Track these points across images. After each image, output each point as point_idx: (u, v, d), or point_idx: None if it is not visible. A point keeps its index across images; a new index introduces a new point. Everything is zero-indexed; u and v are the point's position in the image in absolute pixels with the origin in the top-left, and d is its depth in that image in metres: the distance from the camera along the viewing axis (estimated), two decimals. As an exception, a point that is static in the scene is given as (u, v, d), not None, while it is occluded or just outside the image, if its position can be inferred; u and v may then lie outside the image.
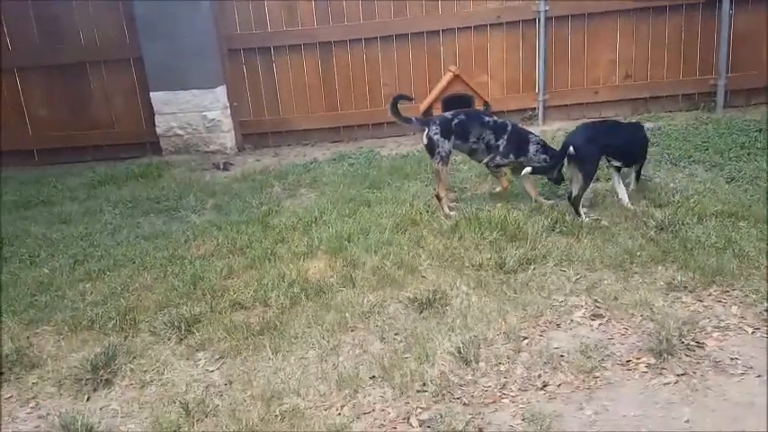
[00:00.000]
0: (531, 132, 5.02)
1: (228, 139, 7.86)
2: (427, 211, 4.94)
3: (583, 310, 3.44)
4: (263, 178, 6.43)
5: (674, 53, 7.33)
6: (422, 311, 3.55)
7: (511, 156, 4.91)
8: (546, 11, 7.19)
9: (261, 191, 6.01)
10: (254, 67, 7.88)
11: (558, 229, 4.39)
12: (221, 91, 7.75)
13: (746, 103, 7.31)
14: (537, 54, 7.43)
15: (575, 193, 4.56)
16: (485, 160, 5.01)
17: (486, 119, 4.97)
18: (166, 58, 7.46)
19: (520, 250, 4.08)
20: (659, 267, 3.76)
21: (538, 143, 4.95)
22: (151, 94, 7.72)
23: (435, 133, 4.85)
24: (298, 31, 7.67)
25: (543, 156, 4.89)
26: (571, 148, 4.57)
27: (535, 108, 7.62)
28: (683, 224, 4.20)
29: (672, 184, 4.95)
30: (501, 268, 3.92)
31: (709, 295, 3.44)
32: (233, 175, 6.80)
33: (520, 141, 4.91)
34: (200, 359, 3.36)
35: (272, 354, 3.27)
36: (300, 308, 3.70)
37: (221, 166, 7.11)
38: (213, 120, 7.73)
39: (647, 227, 4.26)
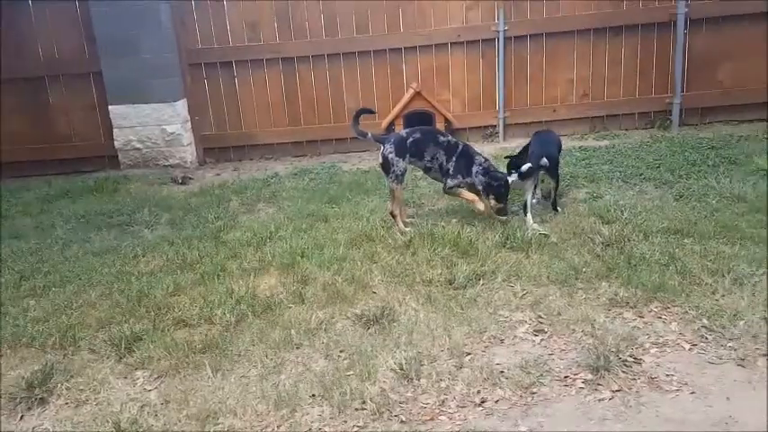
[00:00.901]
0: (478, 154, 4.94)
1: (189, 152, 7.81)
2: (383, 227, 4.95)
3: (526, 326, 3.46)
4: (222, 193, 6.39)
5: (630, 72, 7.50)
6: (369, 328, 3.54)
7: (459, 177, 4.86)
8: (505, 30, 7.31)
9: (218, 205, 5.96)
10: (215, 82, 7.86)
11: (508, 245, 4.42)
12: (182, 105, 7.72)
13: (701, 121, 7.50)
14: (497, 73, 7.54)
15: (553, 194, 5.06)
16: (443, 187, 4.98)
17: (441, 138, 4.92)
18: (126, 72, 7.41)
19: (471, 266, 4.11)
20: (603, 283, 3.81)
21: (480, 165, 4.85)
22: (110, 107, 7.65)
23: (390, 152, 4.81)
24: (260, 46, 7.69)
25: (482, 178, 4.80)
26: (544, 159, 4.79)
27: (496, 125, 7.72)
28: (629, 241, 4.27)
29: (621, 202, 5.03)
30: (451, 284, 3.93)
31: (650, 311, 3.49)
32: (191, 189, 6.74)
33: (467, 162, 4.86)
34: (138, 378, 3.30)
35: (212, 373, 3.23)
36: (246, 325, 3.66)
37: (179, 181, 7.04)
38: (173, 133, 7.68)
39: (593, 243, 4.31)
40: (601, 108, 7.60)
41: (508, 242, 4.45)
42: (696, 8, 7.09)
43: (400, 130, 7.22)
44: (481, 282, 3.94)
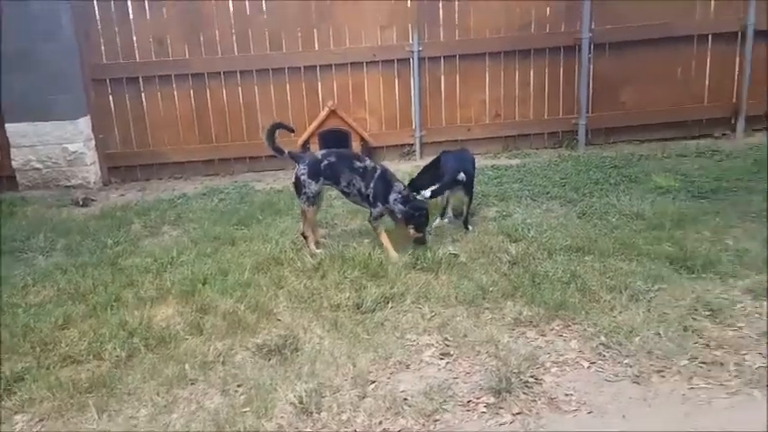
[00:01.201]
0: (397, 180, 4.72)
1: (92, 172, 7.41)
2: (293, 249, 4.81)
3: (433, 349, 3.42)
4: (124, 215, 6.08)
5: (539, 94, 7.73)
6: (270, 359, 3.39)
7: (379, 205, 4.64)
8: (419, 51, 7.38)
9: (119, 229, 5.65)
10: (121, 98, 7.53)
11: (418, 266, 4.39)
12: (84, 122, 7.34)
13: (606, 141, 7.80)
14: (412, 92, 7.59)
15: (466, 210, 5.06)
16: (368, 216, 4.75)
17: (357, 164, 4.67)
18: (24, 89, 6.97)
19: (380, 289, 4.04)
20: (509, 302, 3.83)
21: (399, 192, 4.63)
22: (7, 125, 7.17)
23: (303, 173, 4.66)
24: (168, 61, 7.44)
25: (401, 207, 4.60)
26: (462, 174, 4.86)
27: (413, 144, 7.75)
28: (534, 259, 4.33)
29: (529, 220, 5.12)
30: (359, 308, 3.85)
31: (552, 330, 3.52)
32: (92, 211, 6.38)
33: (384, 189, 4.64)
34: (17, 423, 3.02)
35: (98, 414, 2.99)
36: (138, 360, 3.43)
37: (80, 203, 6.66)
38: (75, 152, 7.28)
39: (501, 262, 4.35)
40: (512, 128, 7.78)
41: (418, 263, 4.42)
42: (599, 33, 7.40)
43: (316, 149, 7.21)
44: (390, 305, 3.88)
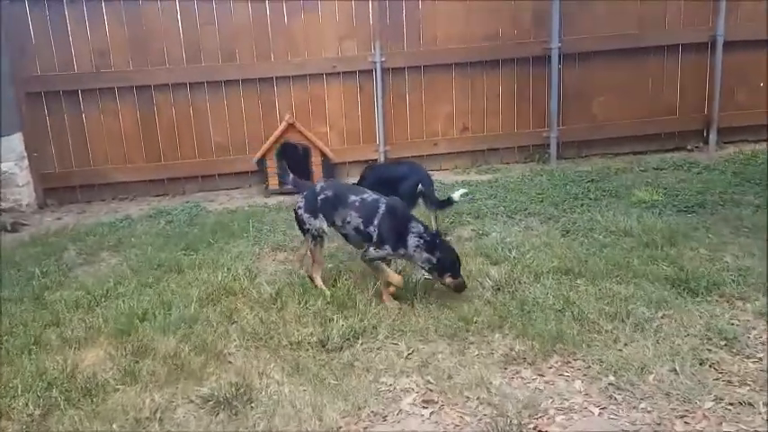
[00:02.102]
0: (413, 218, 3.85)
1: (25, 194, 6.72)
2: (247, 277, 4.26)
3: (413, 395, 2.91)
4: (58, 241, 5.41)
5: (508, 106, 7.37)
6: (218, 413, 2.83)
7: (387, 248, 3.74)
8: (382, 62, 6.94)
9: (50, 257, 4.98)
10: (58, 113, 6.87)
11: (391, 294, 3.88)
12: (16, 139, 6.64)
13: (577, 154, 7.48)
14: (375, 105, 7.14)
15: (434, 224, 4.69)
16: (362, 253, 3.90)
17: (351, 197, 3.91)
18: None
19: (348, 321, 3.52)
20: (497, 335, 3.35)
21: (420, 235, 3.70)
22: (-73, 143, 6.43)
23: (300, 207, 4.05)
24: (111, 73, 6.83)
25: (427, 255, 3.68)
26: (420, 185, 4.49)
27: (377, 160, 7.27)
28: (520, 283, 3.88)
29: (508, 239, 4.68)
30: (324, 346, 3.32)
31: (550, 368, 3.05)
32: (21, 237, 5.68)
33: (398, 229, 3.74)
34: None
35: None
36: (55, 419, 2.82)
37: (8, 228, 5.95)
38: (6, 172, 6.59)
39: (483, 287, 3.89)
40: (481, 142, 7.40)
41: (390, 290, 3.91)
42: (569, 43, 7.10)
43: (273, 165, 6.68)
44: (360, 341, 3.36)
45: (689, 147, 7.47)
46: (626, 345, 3.17)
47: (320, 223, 3.98)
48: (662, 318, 3.41)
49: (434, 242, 3.71)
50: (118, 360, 3.27)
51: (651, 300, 3.56)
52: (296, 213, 4.08)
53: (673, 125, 7.48)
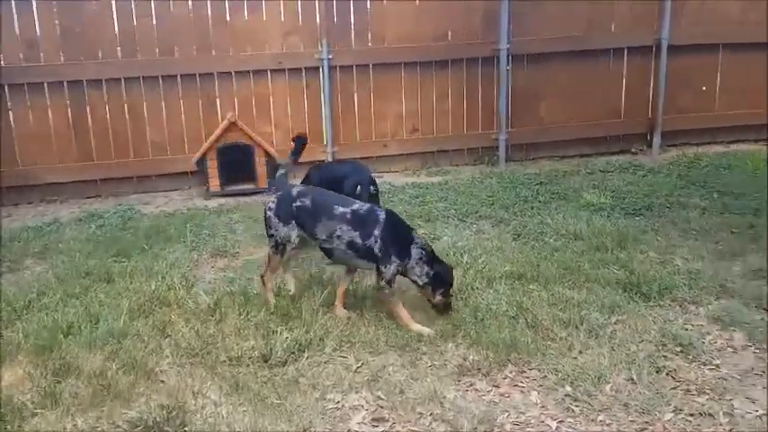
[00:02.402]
0: (411, 228, 3.57)
1: (-60, 197, 6.18)
2: (183, 286, 3.98)
3: (363, 413, 2.72)
4: (-24, 248, 4.97)
5: (457, 107, 7.27)
6: (147, 439, 2.56)
7: (396, 260, 3.40)
8: (329, 59, 6.73)
9: (-36, 266, 4.56)
10: (-21, 109, 6.36)
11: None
12: (-71, 137, 6.11)
13: (526, 157, 7.46)
14: (323, 104, 6.92)
15: None
16: (375, 284, 3.51)
17: (340, 209, 3.47)
18: None
19: (293, 333, 3.30)
20: (450, 345, 3.21)
21: (422, 247, 3.44)
22: None
23: (271, 209, 3.65)
24: (39, 67, 6.36)
25: (427, 268, 3.42)
26: (359, 187, 4.26)
27: (324, 161, 7.05)
28: (473, 289, 3.76)
29: (460, 243, 4.56)
30: (266, 361, 3.09)
31: (505, 378, 2.92)
32: (-67, 244, 5.20)
33: (401, 239, 3.44)
34: None
35: None
36: (-42, 452, 2.50)
37: None
38: None
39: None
40: (431, 143, 7.28)
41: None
42: (517, 45, 7.06)
43: (214, 166, 6.37)
44: (306, 354, 3.15)
45: (633, 149, 7.55)
46: (581, 352, 3.07)
47: (289, 232, 3.58)
48: (615, 323, 3.34)
49: (433, 255, 3.48)
50: (38, 380, 2.96)
51: (604, 305, 3.49)
52: (265, 213, 3.70)
53: (618, 128, 7.55)
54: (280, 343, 3.18)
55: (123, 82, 6.57)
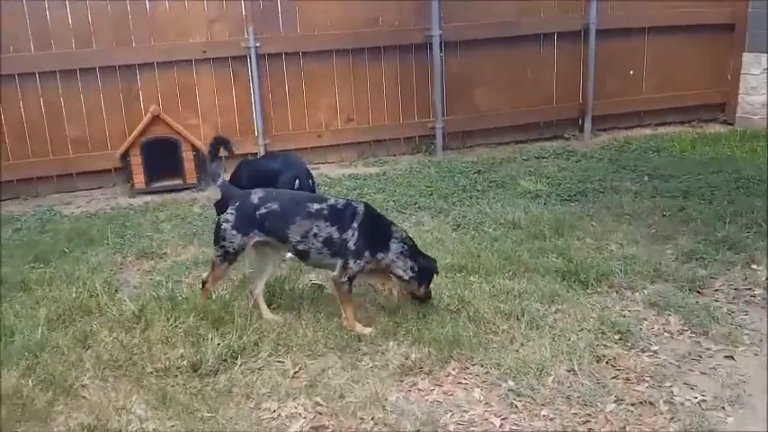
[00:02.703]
0: (391, 222, 3.44)
1: None
2: (106, 291, 3.73)
3: (301, 421, 2.59)
4: None
5: (392, 96, 7.16)
6: (65, 464, 2.35)
7: (366, 254, 3.23)
8: (257, 47, 6.48)
9: None
10: None
11: (275, 304, 3.52)
12: None
13: (463, 145, 7.43)
14: (252, 94, 6.67)
15: None
16: (335, 275, 3.26)
17: (315, 206, 3.27)
18: None
19: (225, 339, 3.12)
20: (391, 343, 3.10)
21: (402, 240, 3.30)
22: None
23: (227, 221, 3.30)
24: (-59, 60, 5.86)
25: (410, 262, 3.27)
26: (298, 181, 4.03)
27: (256, 154, 6.81)
28: (415, 284, 3.64)
29: (399, 236, 4.45)
30: (196, 370, 2.91)
31: (448, 376, 2.85)
32: None
33: (379, 233, 3.29)
34: None
35: None
36: None
37: None
38: None
39: (375, 290, 3.63)
40: (367, 133, 7.14)
41: (275, 299, 3.55)
42: (449, 31, 7.00)
43: (138, 162, 6.03)
44: (239, 361, 2.98)
45: (566, 135, 7.65)
46: (523, 345, 3.03)
47: (245, 242, 3.29)
48: (555, 312, 3.32)
49: (416, 248, 3.33)
50: (-62, 406, 2.68)
51: (544, 294, 3.46)
52: (218, 226, 3.33)
53: (550, 114, 7.62)
54: (211, 350, 2.99)
55: (38, 77, 6.14)
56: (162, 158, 6.12)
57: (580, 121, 7.67)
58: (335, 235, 3.21)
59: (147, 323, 3.32)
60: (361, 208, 3.28)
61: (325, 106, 6.99)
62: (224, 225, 3.29)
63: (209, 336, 3.15)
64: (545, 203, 5.04)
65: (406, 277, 3.28)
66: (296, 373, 2.90)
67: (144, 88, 6.46)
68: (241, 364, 2.95)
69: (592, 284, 3.59)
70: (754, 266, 3.81)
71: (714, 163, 5.98)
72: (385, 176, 6.16)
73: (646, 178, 5.63)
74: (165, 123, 6.05)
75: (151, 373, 2.90)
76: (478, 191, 5.50)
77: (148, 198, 5.94)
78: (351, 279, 3.23)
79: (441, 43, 6.95)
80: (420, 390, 2.75)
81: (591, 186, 5.45)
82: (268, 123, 6.80)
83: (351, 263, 3.20)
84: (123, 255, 4.44)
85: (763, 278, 3.63)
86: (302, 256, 3.34)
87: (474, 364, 2.90)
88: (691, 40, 7.72)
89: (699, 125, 7.81)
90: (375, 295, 3.59)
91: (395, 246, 3.26)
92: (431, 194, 5.46)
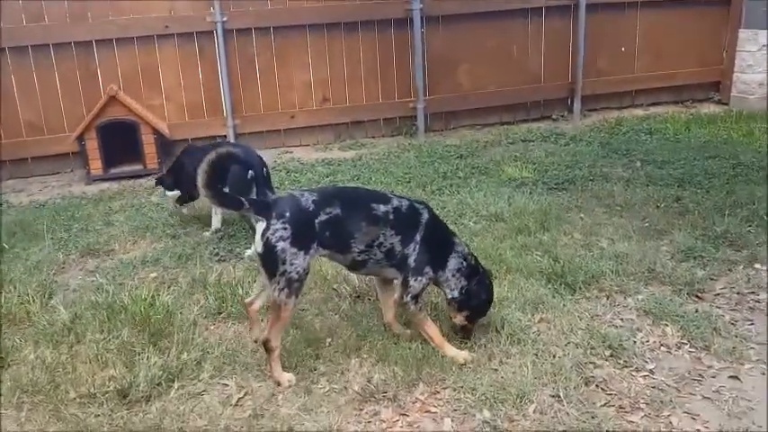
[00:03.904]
0: (454, 233, 2.90)
1: None
2: (40, 296, 3.32)
3: (241, 462, 2.21)
4: None
5: (371, 75, 6.72)
6: None
7: (429, 271, 2.72)
8: (223, 22, 6.02)
9: None
10: None
11: (225, 312, 3.14)
12: None
13: (446, 126, 7.04)
14: (219, 72, 6.22)
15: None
16: (398, 296, 2.74)
17: (381, 208, 2.64)
18: None
19: (163, 357, 2.74)
20: (353, 361, 2.73)
21: (463, 256, 2.78)
22: None
23: (280, 236, 2.49)
24: None
25: (465, 282, 2.76)
26: (251, 172, 3.67)
27: (225, 135, 6.38)
28: (382, 289, 3.27)
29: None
30: (125, 397, 2.52)
31: (415, 402, 2.48)
32: None
33: (440, 245, 2.76)
34: None
35: None
36: None
37: None
38: None
39: (340, 297, 3.24)
40: (344, 114, 6.72)
41: (225, 307, 3.16)
42: (431, 5, 6.55)
43: (94, 146, 5.58)
44: (176, 384, 2.60)
45: (554, 116, 7.27)
46: (502, 362, 2.66)
47: (306, 263, 2.54)
48: (539, 322, 2.96)
49: (477, 268, 2.80)
50: None
51: (527, 300, 3.09)
52: (269, 246, 2.48)
53: (538, 93, 7.23)
54: (144, 372, 2.61)
55: (-8, 53, 5.68)
56: (121, 142, 5.68)
57: (569, 101, 7.29)
58: (398, 248, 2.67)
59: (78, 336, 2.93)
60: (425, 216, 2.73)
61: (299, 85, 6.55)
62: (280, 243, 2.47)
63: (146, 352, 2.76)
64: (530, 193, 4.65)
65: (457, 297, 2.77)
66: (240, 399, 2.52)
67: (102, 67, 6.00)
68: (178, 389, 2.57)
69: (580, 288, 3.22)
70: (757, 266, 3.45)
71: (710, 147, 5.61)
72: (361, 161, 5.76)
73: (638, 164, 5.26)
74: (123, 104, 5.59)
75: (74, 399, 2.52)
76: (460, 178, 5.10)
77: (105, 185, 5.51)
78: (416, 298, 2.70)
79: (422, 18, 6.52)
80: (382, 421, 2.38)
81: (580, 173, 5.07)
82: (237, 103, 6.36)
83: (412, 281, 2.69)
84: (67, 252, 4.03)
85: (768, 280, 3.29)
86: (357, 266, 2.74)
87: (445, 388, 2.53)
88: (684, 15, 7.32)
89: (693, 105, 7.45)
90: (338, 301, 3.20)
91: (453, 263, 2.75)
92: (408, 182, 5.07)
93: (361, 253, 2.64)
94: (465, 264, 2.77)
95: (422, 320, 2.74)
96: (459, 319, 2.82)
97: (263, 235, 2.50)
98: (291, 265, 2.48)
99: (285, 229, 2.48)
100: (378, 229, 2.61)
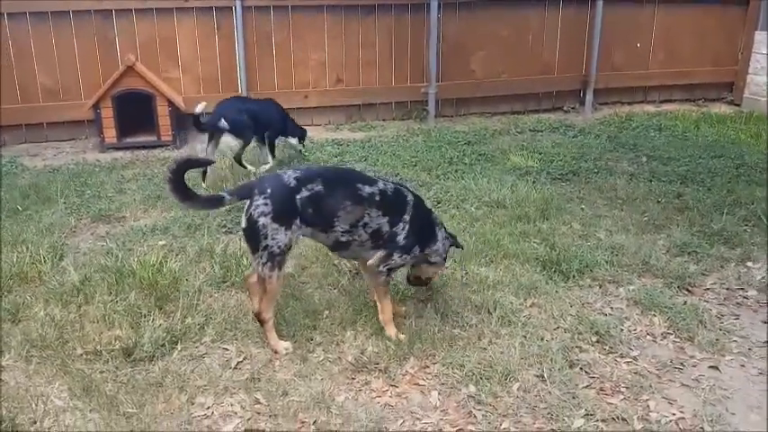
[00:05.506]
0: (431, 210, 3.00)
1: None
2: (52, 257, 3.45)
3: (236, 422, 2.34)
4: None
5: (385, 57, 6.78)
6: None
7: (416, 249, 2.81)
8: (243, -2, 6.09)
9: None
10: None
11: (229, 281, 3.25)
12: None
13: (456, 113, 7.10)
14: (236, 48, 6.29)
15: (239, 152, 4.74)
16: (372, 261, 2.76)
17: (367, 189, 2.68)
18: None
19: (168, 320, 2.87)
20: (348, 333, 2.84)
21: (445, 229, 2.96)
22: None
23: (262, 212, 2.56)
24: None
25: (447, 246, 2.95)
26: (223, 121, 4.53)
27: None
28: (380, 267, 3.36)
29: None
30: (129, 356, 2.64)
31: (405, 375, 2.59)
32: None
33: (429, 224, 2.88)
34: None
35: None
36: None
37: None
38: None
39: (339, 272, 3.35)
40: (356, 96, 6.79)
41: (229, 276, 3.28)
42: (448, -9, 6.59)
43: (109, 115, 5.70)
44: (179, 347, 2.72)
45: (565, 108, 7.31)
46: (491, 342, 2.76)
47: (289, 237, 2.60)
48: (531, 307, 3.05)
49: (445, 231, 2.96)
50: None
51: (521, 285, 3.19)
52: (251, 221, 2.57)
53: (550, 84, 7.27)
54: (149, 332, 2.73)
55: (6, 18, 5.76)
56: (136, 112, 5.79)
57: (581, 94, 7.32)
58: (387, 227, 2.71)
59: (87, 296, 3.05)
60: (410, 196, 2.82)
61: (314, 65, 6.62)
62: (261, 219, 2.55)
63: (152, 315, 2.89)
64: (534, 182, 4.73)
65: (434, 260, 2.90)
66: (239, 363, 2.64)
67: (121, 36, 6.09)
68: (181, 350, 2.70)
69: (573, 276, 3.31)
70: (749, 264, 3.53)
71: (717, 146, 5.65)
72: (370, 144, 5.84)
73: (644, 159, 5.31)
74: (140, 75, 5.68)
75: (81, 356, 2.65)
76: (465, 164, 5.18)
77: (119, 154, 5.63)
78: (390, 270, 2.79)
79: (439, 4, 6.55)
80: (372, 390, 2.50)
81: (585, 165, 5.13)
82: (252, 80, 6.45)
83: (395, 255, 2.75)
84: (78, 216, 4.16)
85: (758, 278, 3.35)
86: (340, 247, 2.77)
87: (435, 363, 2.64)
88: (702, 14, 7.32)
89: (704, 104, 7.46)
90: (337, 276, 3.30)
91: (441, 234, 2.89)
92: (415, 165, 5.15)
93: (345, 233, 2.68)
94: (445, 232, 2.92)
95: (384, 293, 2.80)
96: (438, 273, 3.01)
97: (246, 211, 2.60)
98: (273, 239, 2.57)
99: (266, 204, 2.56)
100: (363, 208, 2.66)
